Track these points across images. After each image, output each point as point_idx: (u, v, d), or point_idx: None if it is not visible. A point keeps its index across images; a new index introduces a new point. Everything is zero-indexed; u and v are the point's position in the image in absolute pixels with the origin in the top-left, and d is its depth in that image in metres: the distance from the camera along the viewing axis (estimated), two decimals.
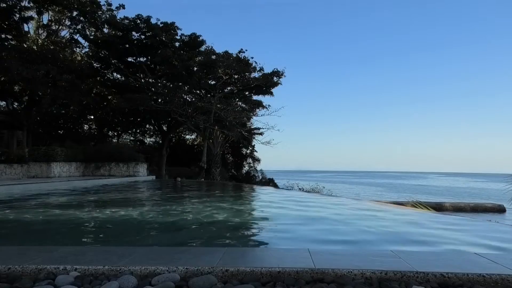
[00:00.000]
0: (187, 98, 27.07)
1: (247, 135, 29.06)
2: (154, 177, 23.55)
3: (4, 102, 26.01)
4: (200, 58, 26.75)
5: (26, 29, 23.83)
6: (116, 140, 32.85)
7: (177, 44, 27.65)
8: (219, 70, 26.32)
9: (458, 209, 17.09)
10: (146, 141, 36.33)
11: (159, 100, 25.78)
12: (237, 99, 29.10)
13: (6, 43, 21.26)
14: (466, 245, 4.09)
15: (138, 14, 25.92)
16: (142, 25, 26.23)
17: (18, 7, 20.94)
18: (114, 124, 31.33)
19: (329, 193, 22.94)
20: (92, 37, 26.79)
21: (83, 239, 4.68)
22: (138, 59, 28.13)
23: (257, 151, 35.73)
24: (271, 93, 28.75)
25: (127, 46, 26.69)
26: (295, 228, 5.49)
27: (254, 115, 29.68)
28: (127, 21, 26.05)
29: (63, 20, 25.63)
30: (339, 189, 35.09)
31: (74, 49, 27.51)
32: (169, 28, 26.76)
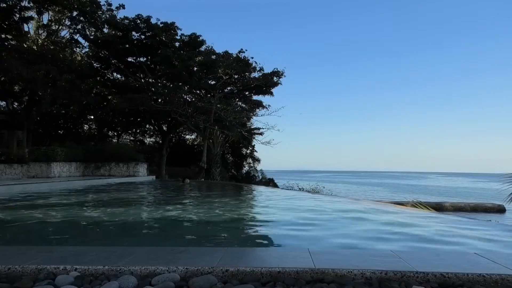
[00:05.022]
0: (187, 98, 27.07)
1: (247, 135, 29.06)
2: (154, 177, 23.54)
3: (4, 102, 26.00)
4: (200, 58, 26.74)
5: (26, 29, 23.83)
6: (116, 140, 32.84)
7: (177, 44, 27.64)
8: (219, 70, 26.31)
9: (458, 209, 17.10)
10: (146, 141, 36.35)
11: (159, 100, 25.78)
12: (237, 99, 29.10)
13: (6, 43, 21.25)
14: (466, 245, 4.09)
15: (138, 14, 25.94)
16: (142, 25, 26.22)
17: (18, 7, 20.92)
18: (114, 124, 31.32)
19: (329, 193, 22.94)
20: (92, 37, 26.78)
21: (83, 239, 4.68)
22: (138, 59, 28.13)
23: (257, 151, 35.80)
24: (271, 93, 28.74)
25: (127, 46, 26.68)
26: (296, 228, 5.49)
27: (254, 115, 29.68)
28: (127, 21, 26.05)
29: (63, 20, 25.62)
30: (339, 190, 35.11)
31: (74, 49, 27.50)
32: (169, 28, 26.75)
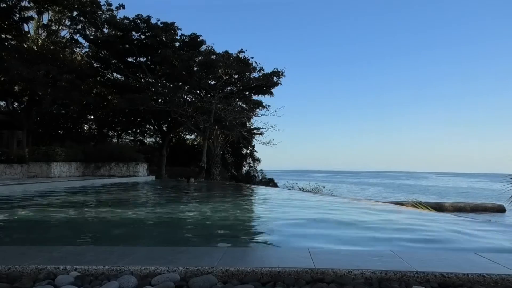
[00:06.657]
0: (187, 98, 27.07)
1: (247, 135, 29.05)
2: (154, 177, 23.52)
3: (4, 102, 25.99)
4: (200, 58, 26.73)
5: (26, 29, 23.82)
6: (116, 140, 32.84)
7: (177, 44, 27.65)
8: (219, 70, 26.31)
9: (458, 209, 17.10)
10: (146, 141, 36.35)
11: (159, 100, 25.78)
12: (237, 99, 29.09)
13: (6, 43, 21.24)
14: (466, 245, 4.09)
15: (138, 14, 25.95)
16: (142, 25, 26.23)
17: (18, 7, 20.91)
18: (114, 124, 31.32)
19: (329, 193, 22.94)
20: (92, 37, 26.78)
21: (83, 239, 4.68)
22: (138, 59, 28.13)
23: (257, 151, 35.78)
24: (271, 93, 28.74)
25: (127, 46, 26.69)
26: (296, 227, 5.48)
27: (254, 115, 29.69)
28: (127, 21, 26.06)
29: (63, 20, 25.61)
30: (339, 190, 35.11)
31: (74, 49, 27.50)
32: (169, 28, 26.76)
